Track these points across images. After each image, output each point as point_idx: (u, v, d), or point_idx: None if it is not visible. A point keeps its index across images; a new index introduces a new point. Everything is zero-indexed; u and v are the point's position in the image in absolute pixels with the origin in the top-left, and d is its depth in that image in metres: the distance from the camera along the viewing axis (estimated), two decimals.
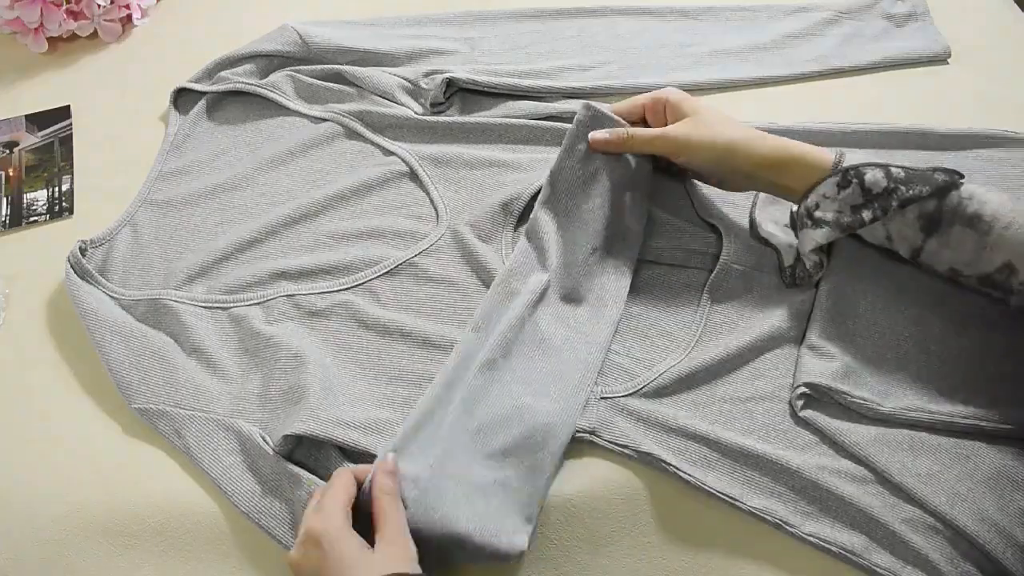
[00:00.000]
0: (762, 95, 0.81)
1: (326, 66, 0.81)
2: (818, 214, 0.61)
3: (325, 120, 0.79)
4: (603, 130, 0.64)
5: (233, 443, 0.60)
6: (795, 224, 0.63)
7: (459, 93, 0.80)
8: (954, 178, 0.58)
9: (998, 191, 0.58)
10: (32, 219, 0.75)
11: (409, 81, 0.79)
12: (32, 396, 0.64)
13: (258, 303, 0.67)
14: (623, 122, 0.65)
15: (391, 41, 0.83)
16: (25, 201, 0.77)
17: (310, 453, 0.59)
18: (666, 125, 0.64)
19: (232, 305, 0.67)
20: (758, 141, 0.62)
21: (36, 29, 0.86)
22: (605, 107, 0.66)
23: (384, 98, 0.79)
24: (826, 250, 0.65)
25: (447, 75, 0.77)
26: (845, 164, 0.60)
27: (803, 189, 0.61)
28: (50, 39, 0.88)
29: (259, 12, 0.90)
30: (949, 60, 0.84)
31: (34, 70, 0.87)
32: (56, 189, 0.77)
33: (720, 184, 0.68)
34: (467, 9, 0.87)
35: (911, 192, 0.58)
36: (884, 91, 0.81)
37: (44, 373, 0.66)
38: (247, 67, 0.81)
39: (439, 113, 0.78)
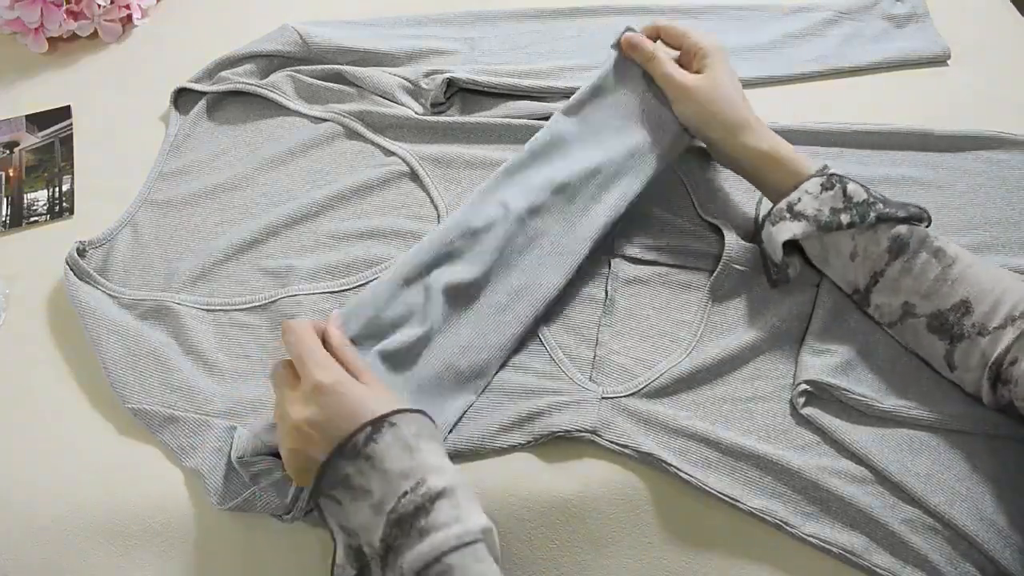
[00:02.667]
0: (762, 95, 0.81)
1: (326, 66, 0.81)
2: (798, 207, 0.62)
3: (325, 120, 0.79)
4: (638, 34, 0.68)
5: (225, 447, 0.59)
6: (766, 222, 0.64)
7: (459, 93, 0.80)
8: (925, 214, 0.61)
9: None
10: (32, 219, 0.75)
11: (409, 81, 0.79)
12: (32, 396, 0.64)
13: (260, 305, 0.67)
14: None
15: (391, 41, 0.83)
16: (25, 201, 0.77)
17: None
18: (683, 56, 0.68)
19: (233, 308, 0.67)
20: (755, 133, 0.64)
21: (36, 29, 0.86)
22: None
23: (384, 98, 0.79)
24: (798, 252, 0.65)
25: (447, 75, 0.77)
26: (830, 171, 0.62)
27: (781, 188, 0.63)
28: (50, 39, 0.88)
29: (259, 12, 0.90)
30: (949, 61, 0.84)
31: (34, 70, 0.87)
32: (56, 189, 0.77)
33: (704, 142, 0.70)
34: (467, 9, 0.87)
35: (888, 209, 0.59)
36: (884, 92, 0.81)
37: (44, 373, 0.65)
38: (247, 67, 0.81)
39: (439, 113, 0.78)
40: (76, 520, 0.58)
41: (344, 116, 0.78)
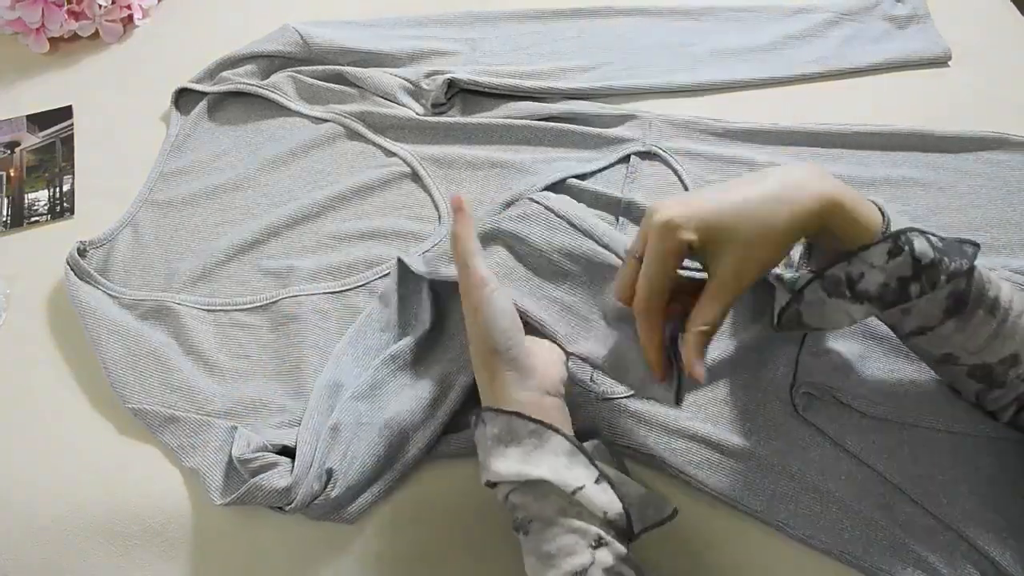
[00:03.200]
0: (762, 96, 0.81)
1: (327, 67, 0.81)
2: (861, 287, 0.51)
3: (326, 121, 0.79)
4: (695, 362, 0.49)
5: (226, 447, 0.59)
6: (814, 282, 0.52)
7: (460, 94, 0.80)
8: (976, 251, 0.52)
9: (995, 274, 0.54)
10: (33, 219, 0.75)
11: (410, 82, 0.79)
12: (32, 396, 0.64)
13: (261, 305, 0.67)
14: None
15: (392, 42, 0.83)
16: (26, 201, 0.77)
17: None
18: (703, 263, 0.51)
19: (233, 308, 0.67)
20: (806, 213, 0.49)
21: (37, 29, 0.86)
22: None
23: (385, 99, 0.79)
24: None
25: (448, 76, 0.77)
26: (892, 227, 0.50)
27: (846, 241, 0.51)
28: (51, 39, 0.88)
29: (260, 12, 0.90)
30: (949, 62, 0.84)
31: (35, 70, 0.87)
32: (57, 189, 0.77)
33: None
34: (468, 9, 0.87)
35: (953, 265, 0.50)
36: (884, 92, 0.81)
37: (44, 373, 0.65)
38: (248, 67, 0.81)
39: (440, 114, 0.78)
40: (76, 520, 0.58)
41: (345, 117, 0.78)
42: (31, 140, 0.81)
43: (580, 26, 0.87)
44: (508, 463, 0.49)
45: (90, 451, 0.61)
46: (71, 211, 0.76)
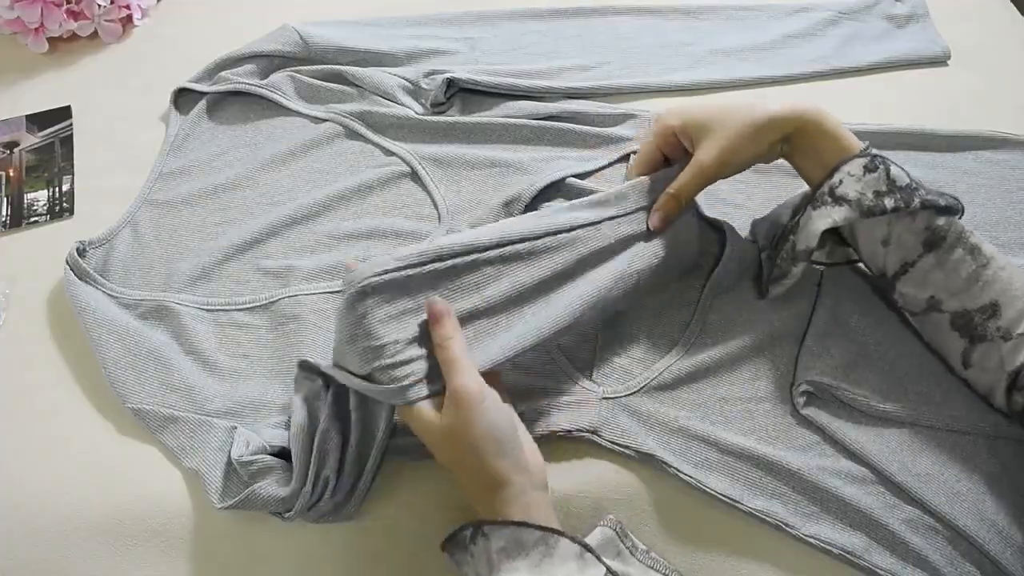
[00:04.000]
0: (762, 95, 0.81)
1: (326, 66, 0.81)
2: (840, 191, 0.58)
3: (326, 120, 0.79)
4: (654, 211, 0.61)
5: (225, 447, 0.59)
6: (802, 207, 0.60)
7: (459, 93, 0.80)
8: (960, 205, 0.58)
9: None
10: (32, 219, 0.75)
11: (410, 81, 0.79)
12: (32, 396, 0.64)
13: (260, 305, 0.67)
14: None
15: (391, 41, 0.83)
16: (25, 201, 0.77)
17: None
18: (685, 151, 0.63)
19: (233, 308, 0.67)
20: (783, 112, 0.59)
21: (36, 29, 0.86)
22: (627, 186, 0.62)
23: (385, 98, 0.79)
24: (824, 247, 0.64)
25: (448, 75, 0.77)
26: (873, 151, 0.59)
27: (823, 163, 0.59)
28: (50, 39, 0.88)
29: (259, 12, 0.90)
30: (949, 61, 0.84)
31: (34, 70, 0.87)
32: (56, 189, 0.77)
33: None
34: (467, 9, 0.87)
35: (930, 196, 0.57)
36: (884, 92, 0.81)
37: (44, 373, 0.65)
38: (248, 67, 0.81)
39: (440, 113, 0.78)
40: (76, 520, 0.58)
41: (344, 116, 0.78)
42: (30, 140, 0.81)
43: (580, 25, 0.87)
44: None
45: (90, 451, 0.61)
46: (70, 211, 0.76)
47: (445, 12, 0.87)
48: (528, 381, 0.61)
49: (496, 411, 0.50)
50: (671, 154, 0.64)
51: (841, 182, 0.58)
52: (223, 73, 0.81)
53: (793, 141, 0.60)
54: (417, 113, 0.78)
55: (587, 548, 0.48)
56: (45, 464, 0.61)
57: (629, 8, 0.88)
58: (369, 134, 0.77)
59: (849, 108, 0.79)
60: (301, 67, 0.82)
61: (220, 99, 0.81)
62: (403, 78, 0.80)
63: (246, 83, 0.80)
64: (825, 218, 0.59)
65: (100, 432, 0.62)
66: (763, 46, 0.85)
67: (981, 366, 0.58)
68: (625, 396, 0.61)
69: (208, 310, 0.67)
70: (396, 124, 0.77)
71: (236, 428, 0.60)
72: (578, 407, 0.60)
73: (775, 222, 0.66)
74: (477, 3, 0.88)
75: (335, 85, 0.80)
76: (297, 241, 0.71)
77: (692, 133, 0.61)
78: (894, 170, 0.58)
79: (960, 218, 0.58)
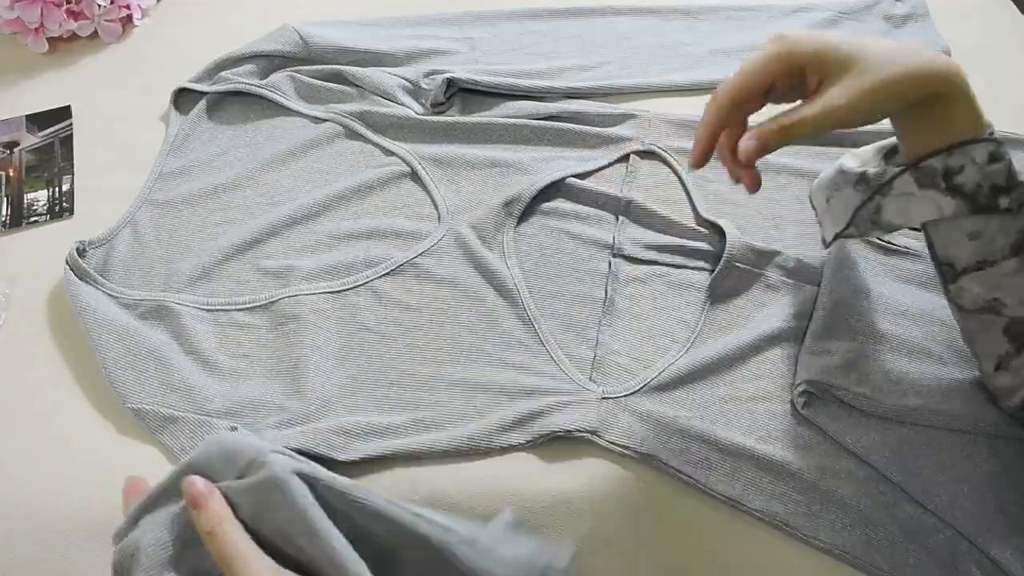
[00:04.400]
0: None
1: (326, 66, 0.81)
2: (958, 179, 0.50)
3: (326, 120, 0.79)
4: (751, 137, 0.50)
5: None
6: (899, 167, 0.51)
7: (459, 93, 0.80)
8: None
9: None
10: (32, 219, 0.75)
11: (409, 81, 0.79)
12: (32, 396, 0.64)
13: (260, 305, 0.67)
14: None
15: (391, 41, 0.83)
16: (25, 201, 0.77)
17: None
18: (808, 89, 0.51)
19: (233, 308, 0.67)
20: (917, 55, 0.49)
21: (36, 29, 0.86)
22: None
23: (385, 98, 0.79)
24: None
25: (447, 75, 0.77)
26: (996, 133, 0.51)
27: (947, 132, 0.50)
28: (50, 39, 0.88)
29: (259, 12, 0.90)
30: None
31: (34, 70, 0.87)
32: (56, 189, 0.77)
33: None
34: (467, 9, 0.87)
35: None
36: None
37: (44, 373, 0.65)
38: (248, 67, 0.81)
39: (440, 113, 0.78)
40: (76, 520, 0.58)
41: (344, 116, 0.78)
42: (30, 140, 0.81)
43: (580, 25, 0.87)
44: None
45: (90, 451, 0.61)
46: (70, 211, 0.76)
47: (445, 12, 0.87)
48: (528, 381, 0.62)
49: (236, 532, 0.41)
50: (780, 87, 0.52)
51: (963, 168, 0.50)
52: (223, 73, 0.81)
53: (930, 102, 0.50)
54: (417, 113, 0.78)
55: None
56: (45, 464, 0.61)
57: (629, 8, 0.88)
58: (369, 134, 0.77)
59: None
60: (301, 67, 0.82)
61: (220, 99, 0.81)
62: (403, 78, 0.80)
63: (246, 83, 0.80)
64: (931, 205, 0.51)
65: (100, 432, 0.62)
66: (763, 46, 0.84)
67: (1016, 372, 0.55)
68: (625, 396, 0.61)
69: (208, 310, 0.67)
70: (396, 124, 0.77)
71: (237, 428, 0.59)
72: (578, 407, 0.60)
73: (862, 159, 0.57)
74: (477, 3, 0.88)
75: (335, 85, 0.80)
76: (297, 241, 0.71)
77: (827, 67, 0.49)
78: (1017, 162, 0.50)
79: None
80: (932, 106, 0.50)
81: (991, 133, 0.51)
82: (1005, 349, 0.55)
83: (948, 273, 0.55)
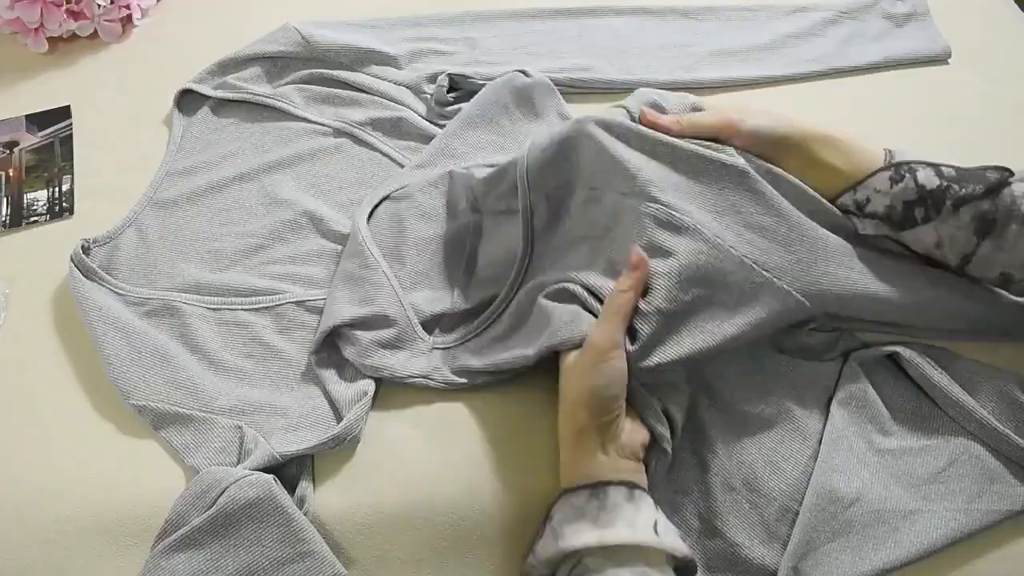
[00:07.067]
0: (762, 95, 0.81)
1: (332, 74, 0.81)
2: (869, 208, 0.58)
3: (333, 127, 0.78)
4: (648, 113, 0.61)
5: (228, 448, 0.59)
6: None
7: (464, 95, 0.79)
8: (1005, 176, 0.56)
9: None
10: (32, 219, 0.75)
11: (412, 87, 0.80)
12: (32, 396, 0.64)
13: (265, 307, 0.67)
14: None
15: (392, 41, 0.83)
16: (25, 201, 0.77)
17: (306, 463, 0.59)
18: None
19: (238, 307, 0.67)
20: (809, 122, 0.60)
21: (36, 29, 0.86)
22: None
23: (392, 103, 0.79)
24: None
25: (448, 71, 0.77)
26: (897, 159, 0.58)
27: (848, 170, 0.58)
28: (50, 39, 0.88)
29: (260, 12, 0.90)
30: (949, 60, 0.84)
31: (34, 70, 0.87)
32: (56, 189, 0.77)
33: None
34: (467, 9, 0.88)
35: (964, 191, 0.55)
36: (884, 91, 0.81)
37: (44, 373, 0.65)
38: (253, 71, 0.81)
39: (445, 116, 0.78)
40: (76, 520, 0.58)
41: (352, 125, 0.78)
42: (30, 140, 0.81)
43: (580, 25, 0.87)
44: (584, 535, 0.49)
45: (90, 451, 0.61)
46: (70, 211, 0.76)
47: (445, 12, 0.87)
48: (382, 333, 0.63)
49: (609, 373, 0.52)
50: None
51: (868, 200, 0.57)
52: (229, 79, 0.81)
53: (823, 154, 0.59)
54: (423, 116, 0.78)
55: (634, 485, 0.50)
56: (45, 464, 0.61)
57: (628, 9, 0.88)
58: (376, 141, 0.77)
59: (849, 108, 0.79)
60: (309, 79, 0.81)
61: (225, 101, 0.81)
62: (407, 84, 0.80)
63: (255, 94, 0.80)
64: (868, 227, 0.59)
65: (100, 432, 0.62)
66: (762, 46, 0.85)
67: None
68: (452, 347, 0.63)
69: (213, 309, 0.67)
70: (403, 130, 0.77)
71: (240, 427, 0.60)
72: (412, 354, 0.62)
73: None
74: (477, 3, 0.89)
75: (343, 92, 0.80)
76: (303, 246, 0.71)
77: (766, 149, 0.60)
78: (921, 175, 0.56)
79: (1011, 180, 0.55)
80: (824, 153, 0.59)
81: (890, 160, 0.57)
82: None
83: (956, 270, 0.59)
